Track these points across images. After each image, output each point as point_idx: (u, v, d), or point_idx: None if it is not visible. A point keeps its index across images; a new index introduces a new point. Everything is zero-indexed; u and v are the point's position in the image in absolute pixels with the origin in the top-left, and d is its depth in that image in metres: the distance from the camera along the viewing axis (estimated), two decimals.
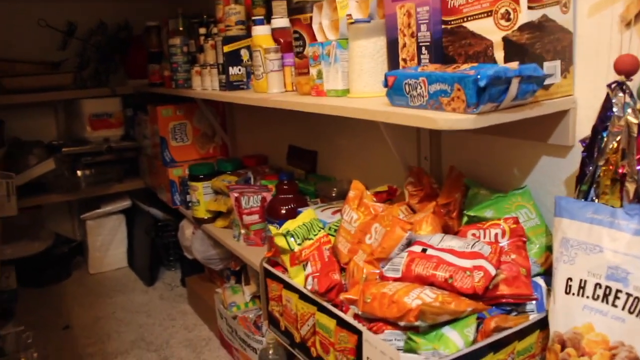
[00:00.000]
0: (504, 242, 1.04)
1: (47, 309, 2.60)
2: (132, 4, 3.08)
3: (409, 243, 1.07)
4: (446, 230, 1.12)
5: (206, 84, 2.02)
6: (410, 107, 1.02)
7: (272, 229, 1.46)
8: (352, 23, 1.27)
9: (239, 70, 1.86)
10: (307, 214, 1.30)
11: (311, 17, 1.48)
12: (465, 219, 1.13)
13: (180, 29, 2.31)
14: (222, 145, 2.60)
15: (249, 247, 1.86)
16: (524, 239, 1.04)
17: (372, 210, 1.16)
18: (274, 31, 1.68)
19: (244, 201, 1.85)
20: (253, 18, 1.75)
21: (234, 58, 1.85)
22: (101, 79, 2.91)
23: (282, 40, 1.68)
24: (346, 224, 1.20)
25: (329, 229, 1.29)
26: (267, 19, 1.75)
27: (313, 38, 1.50)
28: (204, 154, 2.55)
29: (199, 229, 2.21)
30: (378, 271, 1.07)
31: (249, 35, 1.87)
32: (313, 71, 1.40)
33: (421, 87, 0.98)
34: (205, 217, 2.14)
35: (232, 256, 2.17)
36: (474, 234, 1.08)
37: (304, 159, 1.97)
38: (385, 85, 1.08)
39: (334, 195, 1.66)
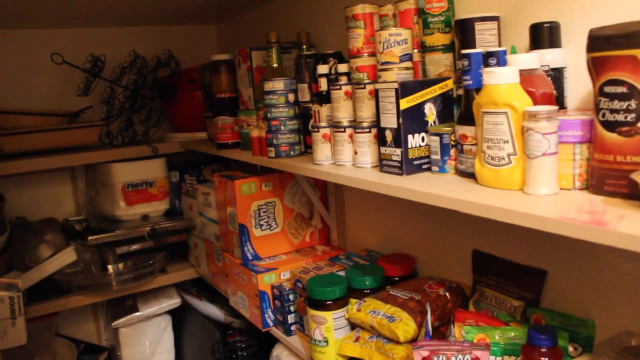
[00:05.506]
0: None
1: None
2: (177, 30, 2.31)
3: None
4: None
5: (343, 157, 1.25)
6: None
7: None
8: None
9: (422, 140, 1.09)
10: None
11: None
12: None
13: (275, 65, 1.54)
14: (322, 230, 1.81)
15: None
16: None
17: None
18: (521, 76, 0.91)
19: None
20: (464, 53, 0.98)
21: (414, 119, 1.08)
22: (136, 134, 2.11)
23: (537, 94, 0.91)
24: None
25: None
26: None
27: None
28: (298, 244, 1.76)
29: None
30: None
31: (428, 83, 1.10)
32: None
33: None
34: None
35: None
36: None
37: (517, 280, 1.19)
38: None
39: None
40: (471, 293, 1.30)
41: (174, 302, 2.13)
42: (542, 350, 0.93)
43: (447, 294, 1.29)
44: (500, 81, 0.88)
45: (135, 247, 2.00)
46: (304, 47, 1.59)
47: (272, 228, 1.70)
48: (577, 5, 1.00)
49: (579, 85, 1.01)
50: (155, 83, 2.13)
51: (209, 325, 2.03)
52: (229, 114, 1.71)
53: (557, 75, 0.98)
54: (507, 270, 1.21)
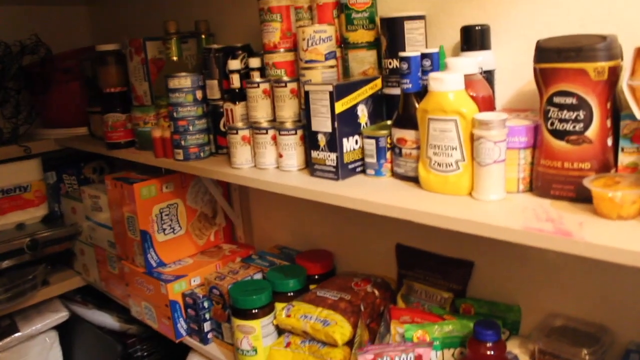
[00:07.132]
0: None
1: None
2: (42, 10, 2.03)
3: None
4: None
5: (265, 160, 1.18)
6: None
7: None
8: None
9: (356, 142, 1.06)
10: None
11: (611, 68, 0.75)
12: None
13: (175, 58, 1.41)
14: (225, 228, 1.73)
15: None
16: None
17: None
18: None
19: None
20: (403, 56, 0.96)
21: (349, 122, 1.05)
22: (2, 132, 1.85)
23: (479, 98, 0.92)
24: None
25: None
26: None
27: (604, 105, 0.78)
28: (203, 245, 1.67)
29: None
30: None
31: (360, 84, 1.07)
32: None
33: None
34: None
35: None
36: None
37: (445, 272, 1.22)
38: None
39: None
40: (397, 287, 1.32)
41: (60, 315, 1.93)
42: (488, 344, 0.96)
43: (374, 290, 1.29)
44: (449, 88, 0.87)
45: (8, 262, 1.77)
46: (203, 37, 1.49)
47: (175, 231, 1.59)
48: (501, 7, 1.02)
49: (505, 86, 1.04)
50: (21, 73, 1.87)
51: (105, 338, 1.87)
52: (120, 111, 1.55)
53: (488, 77, 1.00)
54: (435, 263, 1.24)
